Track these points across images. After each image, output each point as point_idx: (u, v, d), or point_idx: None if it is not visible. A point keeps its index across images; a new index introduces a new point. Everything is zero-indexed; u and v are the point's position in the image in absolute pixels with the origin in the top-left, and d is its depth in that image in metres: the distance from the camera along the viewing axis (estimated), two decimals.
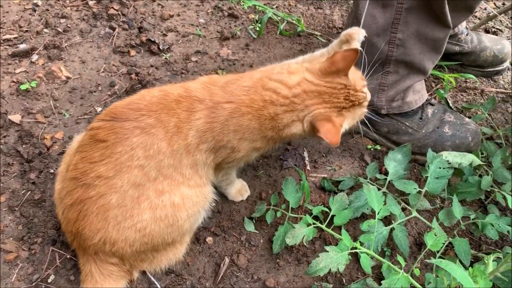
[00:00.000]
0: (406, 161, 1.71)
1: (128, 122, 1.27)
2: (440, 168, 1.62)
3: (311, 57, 1.56)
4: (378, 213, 1.46)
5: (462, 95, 2.22)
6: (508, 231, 1.50)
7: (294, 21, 2.45)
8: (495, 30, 2.56)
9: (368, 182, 1.71)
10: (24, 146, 1.81)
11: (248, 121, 1.31)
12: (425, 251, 1.48)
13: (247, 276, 1.55)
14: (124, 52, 2.23)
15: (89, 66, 2.15)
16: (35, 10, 2.36)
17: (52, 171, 1.75)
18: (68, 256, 1.54)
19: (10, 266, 1.51)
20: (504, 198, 1.61)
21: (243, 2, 2.54)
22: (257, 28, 2.41)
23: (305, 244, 1.52)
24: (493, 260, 1.23)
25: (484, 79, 2.30)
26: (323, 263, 1.32)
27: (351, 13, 1.83)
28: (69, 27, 2.30)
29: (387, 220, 1.64)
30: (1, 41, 2.19)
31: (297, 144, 1.94)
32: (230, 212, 1.71)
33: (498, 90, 2.25)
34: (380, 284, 1.31)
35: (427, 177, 1.61)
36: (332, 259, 1.33)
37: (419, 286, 1.26)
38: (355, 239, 1.48)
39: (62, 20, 2.33)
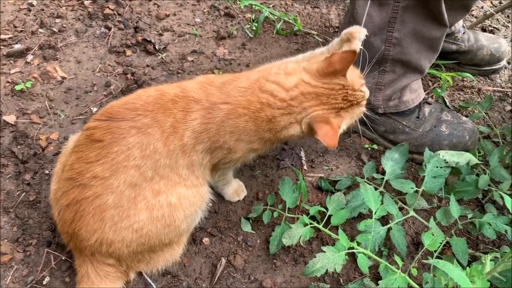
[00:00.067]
0: (403, 160, 1.70)
1: (124, 122, 1.27)
2: (437, 167, 1.61)
3: (311, 55, 1.55)
4: (375, 213, 1.45)
5: (459, 94, 2.22)
6: (505, 230, 1.49)
7: (290, 20, 2.44)
8: (492, 28, 2.56)
9: (365, 181, 1.71)
10: (19, 147, 1.80)
11: (245, 122, 1.31)
12: (422, 250, 1.48)
13: (244, 276, 1.55)
14: (120, 52, 2.22)
15: (85, 66, 2.14)
16: (30, 10, 2.35)
17: (47, 172, 1.74)
18: (63, 258, 1.53)
19: (4, 268, 1.50)
20: (502, 197, 1.60)
21: (239, 1, 2.53)
22: (254, 28, 2.40)
23: (302, 244, 1.51)
24: (490, 260, 1.23)
25: (481, 77, 2.30)
26: (320, 264, 1.32)
27: (348, 12, 1.83)
28: (64, 27, 2.28)
29: (384, 219, 1.64)
30: None
31: (294, 144, 1.93)
32: (227, 213, 1.70)
33: (495, 88, 2.25)
34: (378, 284, 1.31)
35: (424, 176, 1.61)
36: (329, 260, 1.32)
37: (417, 286, 1.25)
38: (352, 239, 1.47)
39: (58, 20, 2.32)
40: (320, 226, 1.52)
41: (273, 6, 2.56)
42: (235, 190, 1.72)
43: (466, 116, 1.99)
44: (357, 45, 1.45)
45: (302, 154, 1.90)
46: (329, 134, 1.23)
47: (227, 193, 1.70)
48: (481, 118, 2.06)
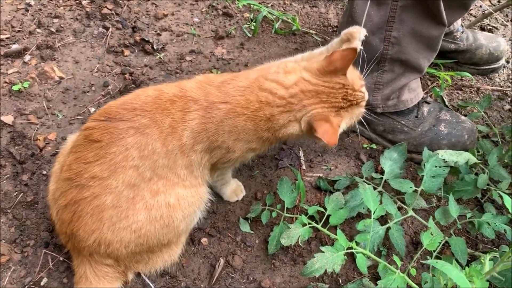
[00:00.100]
0: (402, 160, 1.70)
1: (123, 122, 1.26)
2: (436, 166, 1.61)
3: (310, 55, 1.55)
4: (374, 213, 1.45)
5: (458, 93, 2.22)
6: (504, 230, 1.49)
7: (289, 20, 2.44)
8: (491, 27, 2.56)
9: (364, 181, 1.71)
10: (16, 147, 1.79)
11: (244, 122, 1.30)
12: (421, 250, 1.48)
13: (243, 277, 1.54)
14: (118, 52, 2.22)
15: (83, 66, 2.13)
16: (27, 10, 2.34)
17: (45, 172, 1.73)
18: (61, 259, 1.53)
19: (2, 269, 1.49)
20: (501, 196, 1.60)
21: (237, 1, 2.53)
22: (252, 27, 2.39)
23: (300, 244, 1.51)
24: (489, 259, 1.23)
25: (479, 77, 2.30)
26: (319, 264, 1.31)
27: (346, 11, 1.82)
28: (62, 27, 2.28)
29: (383, 219, 1.64)
30: None
31: (293, 144, 1.93)
32: (225, 213, 1.70)
33: (494, 88, 2.24)
34: (377, 284, 1.30)
35: (423, 176, 1.61)
36: (328, 260, 1.32)
37: (416, 286, 1.25)
38: (351, 238, 1.47)
39: (55, 20, 2.31)
40: (319, 226, 1.52)
41: (271, 5, 2.55)
42: (233, 190, 1.71)
43: (465, 115, 1.98)
44: (357, 45, 1.45)
45: (301, 153, 1.90)
46: (329, 132, 1.22)
47: (226, 193, 1.70)
48: (480, 117, 2.06)
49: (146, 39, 2.24)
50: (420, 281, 1.39)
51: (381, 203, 1.53)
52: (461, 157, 1.69)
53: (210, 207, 1.66)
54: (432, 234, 1.42)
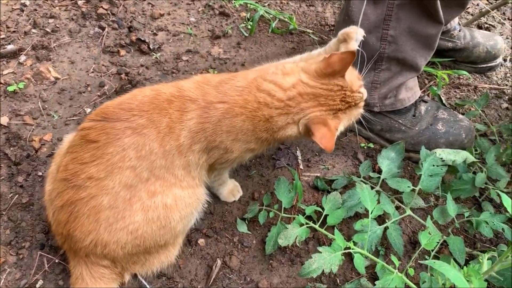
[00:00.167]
0: (399, 159, 1.70)
1: (120, 123, 1.26)
2: (433, 165, 1.61)
3: (308, 56, 1.54)
4: (371, 212, 1.45)
5: (455, 91, 2.22)
6: (502, 229, 1.49)
7: (286, 19, 2.43)
8: (488, 26, 2.56)
9: (361, 180, 1.70)
10: (11, 148, 1.78)
11: (242, 122, 1.30)
12: (419, 250, 1.47)
13: (240, 278, 1.53)
14: (114, 52, 2.21)
15: (78, 66, 2.12)
16: (23, 10, 2.33)
17: (40, 174, 1.72)
18: (56, 261, 1.52)
19: None
20: (498, 195, 1.60)
21: (234, 0, 2.52)
22: (249, 26, 2.39)
23: (298, 244, 1.50)
24: (488, 259, 1.22)
25: (477, 75, 2.30)
26: (316, 264, 1.31)
27: (343, 10, 1.82)
28: (57, 27, 2.27)
29: (381, 219, 1.63)
30: None
31: (290, 143, 1.92)
32: (222, 213, 1.69)
33: (491, 86, 2.24)
34: (375, 284, 1.30)
35: (420, 175, 1.61)
36: (325, 260, 1.32)
37: (414, 285, 1.24)
38: (348, 238, 1.47)
39: (51, 20, 2.30)
40: (316, 226, 1.51)
41: (268, 4, 2.55)
42: (230, 190, 1.71)
43: (463, 114, 1.98)
44: (354, 46, 1.45)
45: (298, 153, 1.89)
46: (326, 136, 1.22)
47: (223, 193, 1.69)
48: (477, 116, 2.06)
49: (142, 39, 2.23)
50: (418, 280, 1.39)
51: (378, 202, 1.52)
52: (458, 156, 1.69)
53: (207, 208, 1.65)
54: (430, 234, 1.41)
